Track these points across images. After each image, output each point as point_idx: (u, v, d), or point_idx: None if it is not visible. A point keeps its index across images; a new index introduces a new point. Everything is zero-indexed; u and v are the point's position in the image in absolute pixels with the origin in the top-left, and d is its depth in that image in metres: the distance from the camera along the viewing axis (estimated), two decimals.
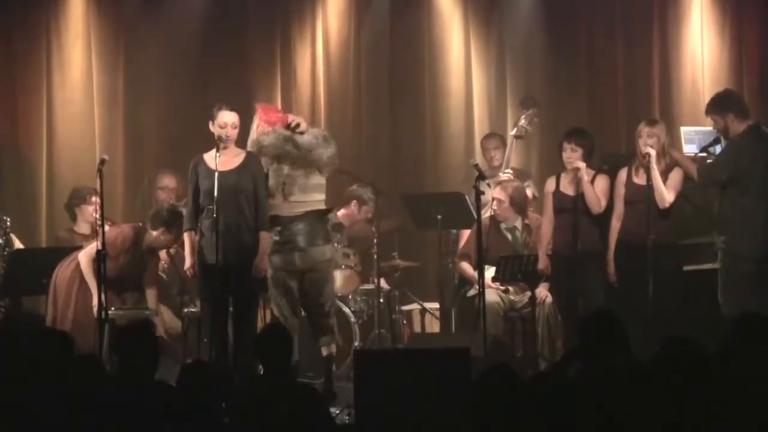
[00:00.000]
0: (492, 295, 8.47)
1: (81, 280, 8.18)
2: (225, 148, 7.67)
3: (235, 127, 7.72)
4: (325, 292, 7.95)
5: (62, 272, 8.26)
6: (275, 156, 7.87)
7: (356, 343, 8.86)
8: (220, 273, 7.53)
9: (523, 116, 9.51)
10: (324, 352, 7.94)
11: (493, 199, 8.89)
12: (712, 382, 4.65)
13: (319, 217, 7.93)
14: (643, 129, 8.23)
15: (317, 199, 7.95)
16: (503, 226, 8.93)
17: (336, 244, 8.67)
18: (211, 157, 7.68)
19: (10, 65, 10.26)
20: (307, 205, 7.88)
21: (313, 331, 8.03)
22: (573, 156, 8.37)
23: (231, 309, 7.66)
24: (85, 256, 8.17)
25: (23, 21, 10.28)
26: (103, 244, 7.62)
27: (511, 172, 9.27)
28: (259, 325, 8.25)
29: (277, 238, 7.85)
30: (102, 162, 7.70)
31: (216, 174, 7.54)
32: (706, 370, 4.70)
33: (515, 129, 9.52)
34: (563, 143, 8.43)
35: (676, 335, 4.96)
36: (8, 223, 8.97)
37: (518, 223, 8.92)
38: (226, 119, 7.72)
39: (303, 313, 8.14)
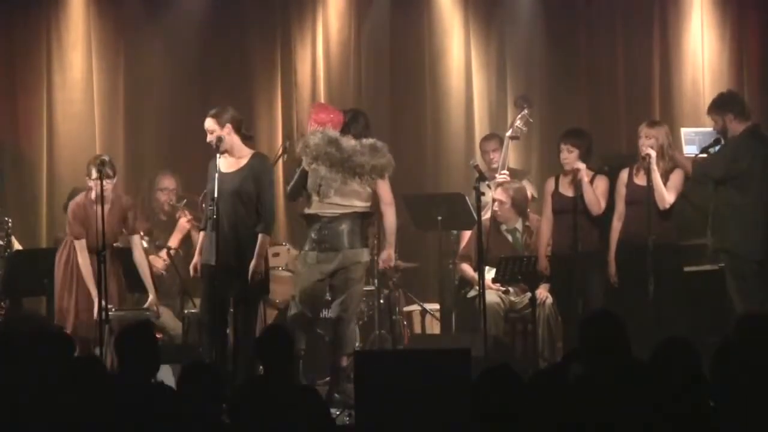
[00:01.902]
0: (492, 296, 8.47)
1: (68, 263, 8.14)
2: (224, 152, 7.65)
3: (211, 132, 7.65)
4: (351, 292, 7.91)
5: (57, 261, 8.22)
6: (315, 156, 7.83)
7: (357, 345, 8.85)
8: (219, 274, 7.54)
9: (518, 117, 9.50)
10: (339, 362, 7.94)
11: (494, 200, 8.89)
12: (712, 381, 4.66)
13: (358, 219, 7.89)
14: (643, 129, 8.23)
15: (356, 205, 7.90)
16: (504, 227, 8.93)
17: None
18: (221, 160, 7.66)
19: (11, 66, 10.28)
20: (344, 209, 7.86)
21: (332, 339, 8.05)
22: (570, 157, 8.37)
23: (231, 310, 7.67)
24: (80, 256, 8.09)
25: (23, 21, 10.29)
26: (104, 245, 7.63)
27: (507, 173, 9.25)
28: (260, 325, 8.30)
29: (314, 236, 7.88)
30: (102, 163, 7.71)
31: (216, 176, 7.55)
32: (702, 370, 4.71)
33: (510, 130, 9.49)
34: (560, 144, 8.43)
35: (673, 336, 4.96)
36: (10, 225, 8.98)
37: (519, 225, 8.91)
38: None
39: (327, 313, 8.17)
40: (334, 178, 7.82)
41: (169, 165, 9.96)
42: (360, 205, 7.91)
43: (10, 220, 9.01)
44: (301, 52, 10.70)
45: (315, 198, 7.88)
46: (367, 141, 7.92)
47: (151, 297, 8.14)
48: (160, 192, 9.65)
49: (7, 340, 5.73)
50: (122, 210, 8.02)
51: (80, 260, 7.99)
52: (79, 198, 8.09)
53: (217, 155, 7.63)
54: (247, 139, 7.78)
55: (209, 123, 7.67)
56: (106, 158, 7.89)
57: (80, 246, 7.97)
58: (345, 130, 7.94)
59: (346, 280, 7.89)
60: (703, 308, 8.31)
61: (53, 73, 10.31)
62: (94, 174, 7.81)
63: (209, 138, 7.66)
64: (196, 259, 7.78)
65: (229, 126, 7.64)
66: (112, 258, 7.96)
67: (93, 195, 7.91)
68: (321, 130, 7.90)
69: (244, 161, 7.67)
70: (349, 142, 7.88)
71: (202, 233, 7.77)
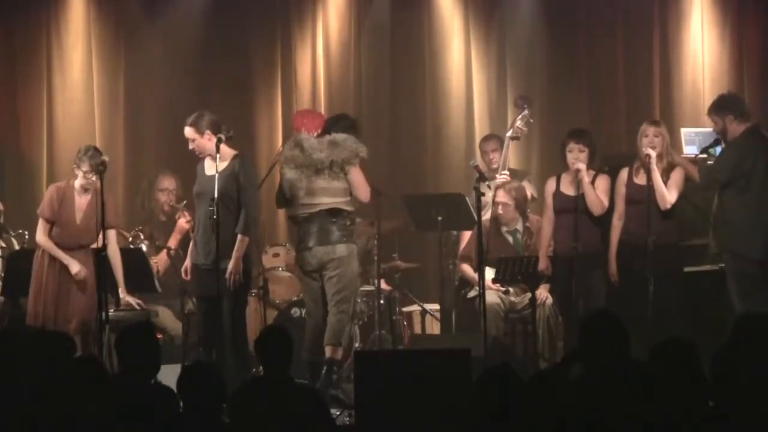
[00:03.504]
0: (492, 296, 8.46)
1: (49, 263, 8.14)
2: (207, 155, 7.79)
3: (192, 140, 7.80)
4: (336, 288, 7.90)
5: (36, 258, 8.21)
6: (284, 161, 8.00)
7: (357, 345, 8.86)
8: (207, 274, 7.66)
9: (518, 117, 9.50)
10: (326, 352, 7.89)
11: (497, 203, 8.86)
12: (712, 381, 4.65)
13: (328, 216, 7.91)
14: (649, 129, 8.20)
15: (324, 203, 7.92)
16: (504, 228, 8.92)
17: None
18: (207, 162, 7.82)
19: (11, 66, 10.29)
20: (312, 208, 7.92)
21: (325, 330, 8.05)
22: (581, 156, 8.32)
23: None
24: (39, 232, 8.06)
25: (24, 22, 10.30)
26: (104, 245, 7.65)
27: (507, 173, 9.25)
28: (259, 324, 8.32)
29: (297, 238, 8.06)
30: (102, 163, 7.73)
31: (216, 177, 7.64)
32: (702, 370, 4.70)
33: (510, 130, 9.48)
34: (569, 144, 8.36)
35: (673, 336, 4.96)
36: (26, 237, 9.00)
37: (519, 226, 8.90)
38: None
39: None
40: (300, 178, 7.93)
41: (169, 165, 9.96)
42: (328, 201, 7.94)
43: (26, 233, 9.01)
44: (301, 52, 10.70)
45: (291, 200, 8.00)
46: (327, 137, 7.99)
47: (121, 292, 8.13)
48: (159, 192, 9.65)
49: (7, 340, 5.74)
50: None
51: (39, 237, 8.01)
52: (62, 183, 8.16)
53: (217, 155, 7.69)
54: (228, 139, 7.83)
55: (188, 132, 7.82)
56: (106, 159, 7.90)
57: (42, 224, 7.99)
58: (325, 132, 8.02)
59: (327, 277, 7.93)
60: (703, 308, 8.30)
61: (53, 73, 10.32)
62: (85, 167, 7.88)
63: (191, 146, 7.81)
64: (187, 261, 7.94)
65: (208, 132, 7.76)
66: (89, 258, 7.98)
67: (76, 183, 7.98)
68: (295, 136, 8.07)
69: (226, 163, 7.76)
70: (310, 141, 7.97)
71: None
